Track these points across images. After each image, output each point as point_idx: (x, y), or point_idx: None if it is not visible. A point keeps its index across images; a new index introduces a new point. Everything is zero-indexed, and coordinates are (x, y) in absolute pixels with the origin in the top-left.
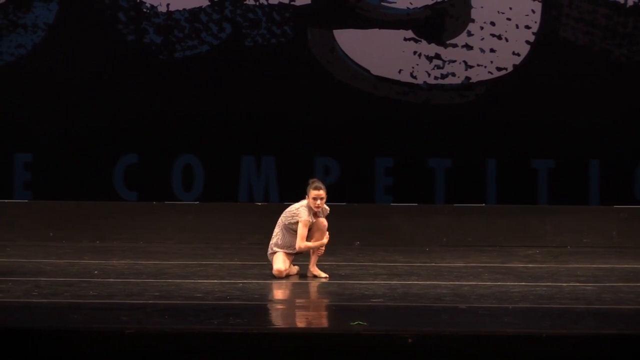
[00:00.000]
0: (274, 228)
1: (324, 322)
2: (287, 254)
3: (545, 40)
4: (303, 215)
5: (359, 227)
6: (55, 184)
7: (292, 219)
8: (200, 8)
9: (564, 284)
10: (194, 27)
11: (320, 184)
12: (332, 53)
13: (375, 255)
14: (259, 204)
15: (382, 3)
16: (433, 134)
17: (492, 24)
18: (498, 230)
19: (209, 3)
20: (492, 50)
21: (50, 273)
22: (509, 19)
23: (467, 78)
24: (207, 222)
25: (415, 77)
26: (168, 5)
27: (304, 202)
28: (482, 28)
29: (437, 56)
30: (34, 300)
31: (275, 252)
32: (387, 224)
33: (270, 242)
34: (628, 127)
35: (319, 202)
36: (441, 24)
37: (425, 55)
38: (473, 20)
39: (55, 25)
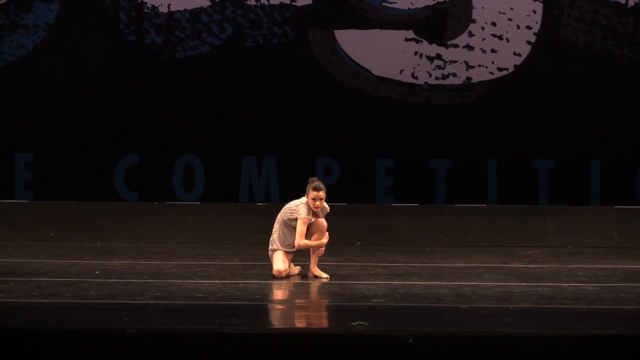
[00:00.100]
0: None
1: (325, 323)
2: (287, 253)
3: (546, 41)
4: (302, 213)
5: (359, 228)
6: (56, 184)
7: (292, 215)
8: (201, 8)
9: (565, 284)
10: (195, 27)
11: (319, 185)
12: (333, 53)
13: (376, 256)
14: (260, 204)
15: (383, 3)
16: (434, 134)
17: (493, 24)
18: (499, 231)
19: (210, 3)
20: (493, 51)
21: (51, 273)
22: (510, 20)
23: (468, 78)
24: (208, 222)
25: (416, 78)
26: (169, 5)
27: (303, 200)
28: (483, 28)
29: (438, 56)
30: (35, 301)
31: (275, 250)
32: (388, 224)
33: (270, 238)
34: (629, 127)
35: (318, 202)
36: (442, 24)
37: (426, 56)
38: (474, 21)
39: (56, 25)
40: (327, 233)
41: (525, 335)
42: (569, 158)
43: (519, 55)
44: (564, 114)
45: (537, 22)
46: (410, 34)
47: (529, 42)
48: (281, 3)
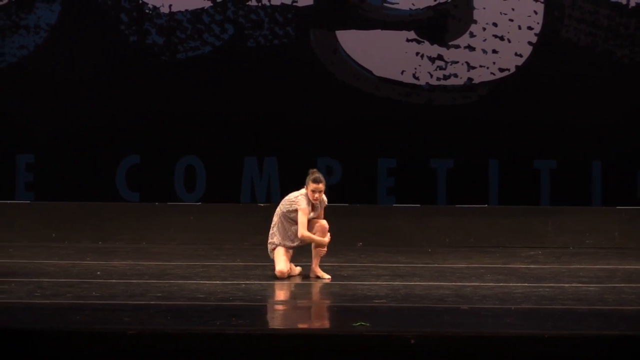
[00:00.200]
0: None
1: (327, 323)
2: (287, 249)
3: (547, 41)
4: (302, 204)
5: (361, 228)
6: (57, 184)
7: (291, 206)
8: (202, 9)
9: (566, 285)
10: (197, 28)
11: (319, 177)
12: (335, 54)
13: (377, 256)
14: (262, 205)
15: (385, 4)
16: (435, 135)
17: (495, 25)
18: (500, 231)
19: (212, 4)
20: (494, 51)
21: (53, 274)
22: (511, 20)
23: (470, 79)
24: (209, 223)
25: (417, 78)
26: (170, 6)
27: (302, 191)
28: (484, 29)
29: (440, 57)
30: (36, 301)
31: (275, 247)
32: (389, 224)
33: (270, 232)
34: (630, 128)
35: (317, 195)
36: (444, 25)
37: (427, 56)
38: (475, 22)
39: (58, 26)
40: (328, 234)
41: (526, 335)
42: (570, 158)
43: (520, 55)
44: (566, 114)
45: (538, 23)
46: (412, 34)
47: (530, 43)
48: (282, 4)
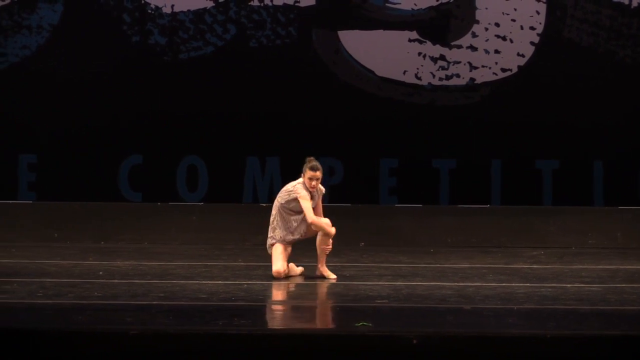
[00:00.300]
0: None
1: (329, 323)
2: (285, 247)
3: (549, 42)
4: (301, 192)
5: (363, 228)
6: (59, 184)
7: (289, 196)
8: (204, 9)
9: (569, 285)
10: (199, 28)
11: (317, 164)
12: (337, 54)
13: (379, 256)
14: (264, 205)
15: (387, 4)
16: (438, 135)
17: (497, 25)
18: (502, 231)
19: (214, 4)
20: (496, 52)
21: (55, 274)
22: (513, 20)
23: (472, 79)
24: (211, 223)
25: (419, 78)
26: (173, 6)
27: (299, 180)
28: (486, 29)
29: (442, 57)
30: (39, 301)
31: (274, 244)
32: (391, 224)
33: (270, 227)
34: (632, 127)
35: (314, 182)
36: (446, 25)
37: (430, 57)
38: (478, 22)
39: (60, 26)
40: (333, 228)
41: (528, 335)
42: (573, 159)
43: (523, 56)
44: (568, 114)
45: (540, 23)
46: (414, 34)
47: (532, 43)
48: (285, 4)
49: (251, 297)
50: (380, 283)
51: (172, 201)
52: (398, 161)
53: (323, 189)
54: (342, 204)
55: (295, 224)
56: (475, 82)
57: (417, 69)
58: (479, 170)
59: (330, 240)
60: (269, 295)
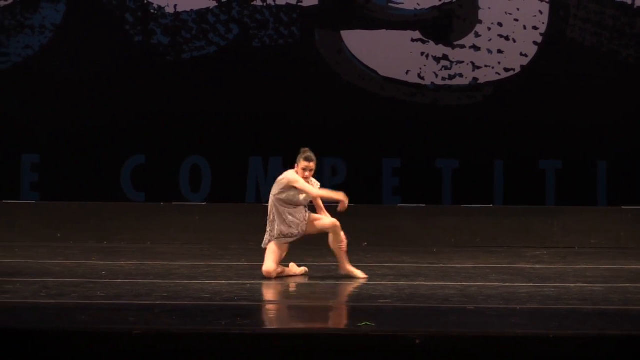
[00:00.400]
0: None
1: (332, 323)
2: (280, 246)
3: (552, 41)
4: (290, 175)
5: (366, 228)
6: (62, 185)
7: (281, 183)
8: (207, 9)
9: (572, 285)
10: (202, 28)
11: (311, 155)
12: (340, 54)
13: (382, 256)
14: (267, 205)
15: (390, 4)
16: (440, 135)
17: (500, 25)
18: (505, 231)
19: (217, 4)
20: (499, 51)
21: (58, 274)
22: (516, 20)
23: (475, 79)
24: (214, 223)
25: (422, 78)
26: (175, 6)
27: (291, 170)
28: (489, 29)
29: (445, 57)
30: (42, 301)
31: (270, 241)
32: (394, 224)
33: (267, 222)
34: (636, 128)
35: (307, 173)
36: (449, 25)
37: (432, 56)
38: (480, 22)
39: (63, 26)
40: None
41: (531, 335)
42: (576, 159)
43: (526, 55)
44: (571, 114)
45: (543, 23)
46: (417, 34)
47: (535, 43)
48: (287, 4)
49: (254, 297)
50: (383, 283)
51: (175, 201)
52: (401, 161)
53: (318, 183)
54: None
55: (290, 217)
56: (478, 82)
57: (420, 68)
58: (482, 170)
59: (343, 236)
60: (272, 295)
